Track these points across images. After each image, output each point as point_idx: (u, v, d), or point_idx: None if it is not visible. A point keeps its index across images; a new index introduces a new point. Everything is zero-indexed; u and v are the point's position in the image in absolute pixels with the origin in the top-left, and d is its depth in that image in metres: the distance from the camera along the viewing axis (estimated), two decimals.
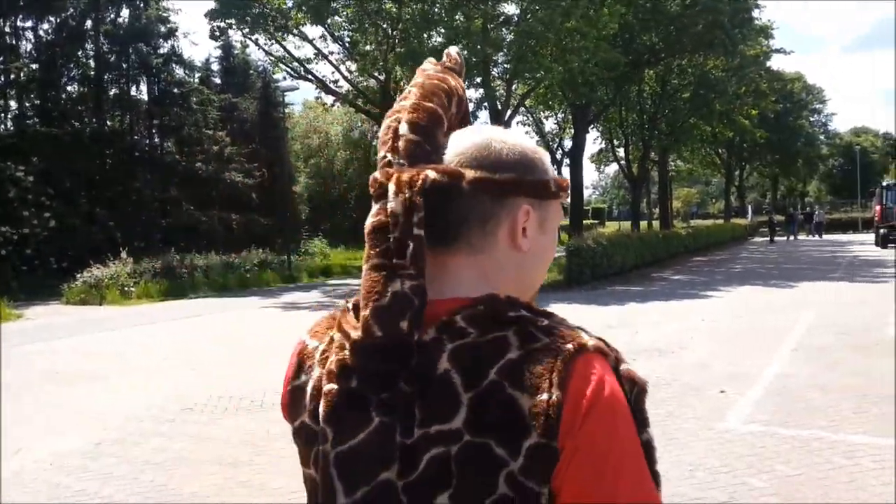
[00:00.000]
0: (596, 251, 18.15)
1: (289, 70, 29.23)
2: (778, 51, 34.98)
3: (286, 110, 34.74)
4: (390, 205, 0.83)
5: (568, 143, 36.41)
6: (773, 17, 33.99)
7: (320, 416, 0.82)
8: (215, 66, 33.87)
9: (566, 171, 37.71)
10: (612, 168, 52.30)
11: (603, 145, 42.38)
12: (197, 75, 31.76)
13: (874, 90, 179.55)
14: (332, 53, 28.35)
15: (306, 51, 33.25)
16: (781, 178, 64.94)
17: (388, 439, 0.78)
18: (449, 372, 0.78)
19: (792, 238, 39.05)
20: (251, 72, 33.90)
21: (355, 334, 0.81)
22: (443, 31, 18.38)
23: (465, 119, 0.96)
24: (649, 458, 0.79)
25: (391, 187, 0.84)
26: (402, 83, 25.50)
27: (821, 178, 70.22)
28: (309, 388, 0.86)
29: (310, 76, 28.60)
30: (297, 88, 27.47)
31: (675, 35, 26.05)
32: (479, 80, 21.09)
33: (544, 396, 0.75)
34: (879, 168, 69.29)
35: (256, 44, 27.08)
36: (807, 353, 8.07)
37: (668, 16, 25.87)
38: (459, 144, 0.88)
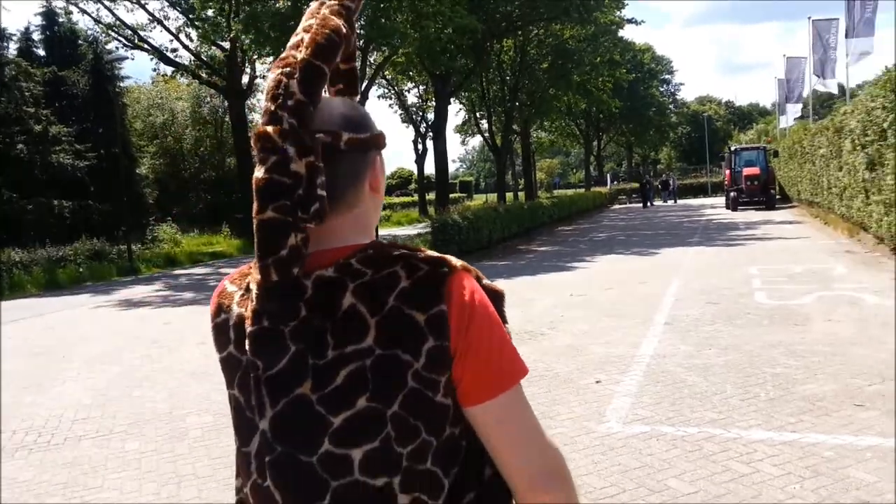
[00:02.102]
0: (462, 226, 17.43)
1: (121, 39, 26.52)
2: (630, 21, 35.44)
3: (123, 84, 31.73)
4: (293, 166, 0.94)
5: (431, 117, 35.52)
6: None
7: (248, 351, 0.99)
8: (37, 36, 30.27)
9: (429, 144, 37.14)
10: (477, 140, 52.24)
11: (466, 117, 41.95)
12: (14, 46, 28.21)
13: (715, 61, 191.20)
14: (167, 19, 25.94)
15: (140, 17, 30.45)
16: (635, 147, 67.53)
17: (302, 362, 0.97)
18: (355, 305, 0.96)
19: (649, 204, 40.38)
20: (80, 42, 30.51)
21: (258, 281, 0.98)
22: None
23: (351, 57, 1.11)
24: None
25: (291, 149, 0.94)
26: (250, 53, 23.64)
27: (671, 145, 73.60)
28: (231, 324, 1.05)
29: (145, 45, 26.05)
30: (128, 58, 24.79)
31: (531, 1, 25.59)
32: None
33: (433, 310, 0.96)
34: (723, 134, 73.60)
35: (78, 6, 24.25)
36: (679, 327, 7.60)
37: None
38: (326, 110, 1.00)
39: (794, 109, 34.73)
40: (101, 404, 6.16)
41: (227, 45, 25.19)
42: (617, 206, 44.14)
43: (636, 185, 49.24)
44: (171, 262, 20.38)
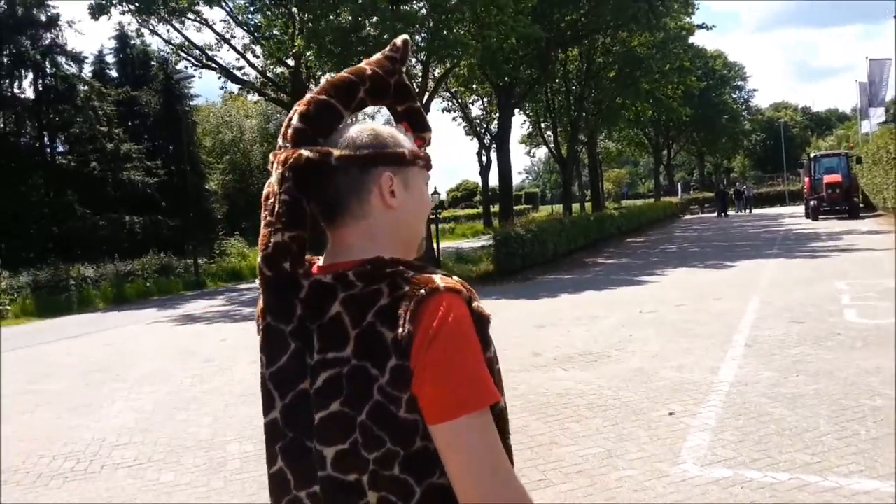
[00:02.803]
0: (525, 239, 16.91)
1: (190, 59, 27.07)
2: (701, 26, 34.34)
3: (192, 103, 32.47)
4: (272, 178, 1.11)
5: (495, 128, 35.10)
6: None
7: (259, 347, 1.12)
8: (111, 59, 31.27)
9: (493, 156, 36.65)
10: (543, 151, 51.52)
11: (530, 128, 41.39)
12: (89, 68, 29.19)
13: (790, 65, 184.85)
14: (233, 38, 26.33)
15: (208, 37, 31.13)
16: (707, 155, 65.47)
17: (302, 360, 1.06)
18: (340, 314, 1.04)
19: (723, 215, 38.89)
20: (152, 63, 31.38)
21: (259, 282, 1.10)
22: (349, 8, 16.64)
23: (395, 96, 1.19)
24: (491, 369, 1.04)
25: (274, 164, 1.11)
26: (314, 69, 23.77)
27: (745, 153, 71.15)
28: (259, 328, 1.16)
29: (212, 64, 26.52)
30: (194, 76, 25.26)
31: (597, 7, 24.93)
32: None
33: (400, 330, 1.00)
34: (800, 141, 70.75)
35: (148, 28, 24.86)
36: (762, 350, 6.93)
37: None
38: (339, 136, 1.13)
39: (877, 113, 32.91)
40: (144, 429, 5.94)
41: (291, 61, 25.39)
42: (689, 217, 42.69)
43: (709, 194, 47.61)
44: (236, 276, 20.53)
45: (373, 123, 1.18)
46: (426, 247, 13.83)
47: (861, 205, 27.94)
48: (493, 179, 38.86)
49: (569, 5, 25.34)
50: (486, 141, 41.63)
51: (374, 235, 1.11)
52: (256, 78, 27.51)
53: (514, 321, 9.77)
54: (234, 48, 26.54)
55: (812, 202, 28.18)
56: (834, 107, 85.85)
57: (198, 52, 26.78)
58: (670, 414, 5.14)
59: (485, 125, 41.79)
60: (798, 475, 3.87)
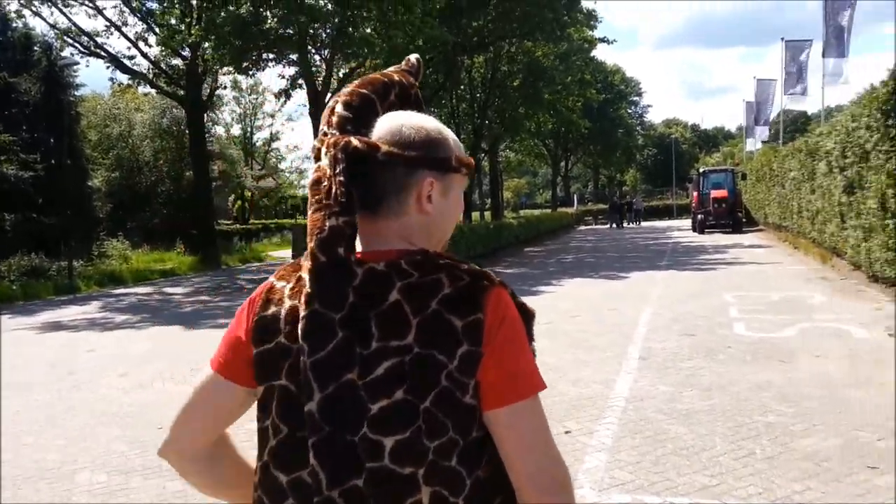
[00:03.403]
0: None
1: (76, 45, 25.35)
2: (602, 40, 35.29)
3: (77, 93, 30.42)
4: (322, 162, 1.08)
5: None
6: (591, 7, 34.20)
7: (300, 335, 1.05)
8: None
9: None
10: None
11: None
12: None
13: (682, 84, 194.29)
14: (125, 25, 24.85)
15: (98, 24, 29.24)
16: (602, 168, 67.56)
17: (350, 349, 1.03)
18: (400, 302, 1.04)
19: (615, 226, 40.03)
20: (35, 48, 29.16)
21: (307, 264, 1.06)
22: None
23: (408, 103, 1.19)
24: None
25: (323, 150, 1.09)
26: (211, 63, 22.73)
27: (637, 167, 73.89)
28: (283, 316, 1.11)
29: (101, 52, 24.93)
30: (79, 64, 23.67)
31: (504, 15, 25.06)
32: (294, 56, 18.79)
33: (471, 317, 1.04)
34: (688, 157, 74.17)
35: (30, 9, 23.09)
36: (656, 363, 6.88)
37: None
38: (379, 127, 1.12)
39: (761, 132, 34.75)
40: None
41: (187, 53, 24.18)
42: (583, 227, 43.78)
43: (603, 206, 49.00)
44: (114, 280, 19.18)
45: (422, 118, 1.16)
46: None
47: (744, 220, 29.36)
48: None
49: (476, 11, 25.36)
50: None
51: (408, 234, 1.13)
52: (149, 69, 26.10)
53: None
54: (126, 36, 25.10)
55: (699, 216, 29.40)
56: (721, 125, 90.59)
57: (85, 38, 25.14)
58: (566, 432, 4.92)
59: None
60: (697, 499, 3.71)
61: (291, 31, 18.32)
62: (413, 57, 1.25)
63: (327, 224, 1.04)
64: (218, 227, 31.97)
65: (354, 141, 1.07)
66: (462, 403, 1.03)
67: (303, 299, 1.05)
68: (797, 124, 50.76)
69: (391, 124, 1.12)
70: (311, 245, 1.05)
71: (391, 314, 1.04)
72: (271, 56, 18.95)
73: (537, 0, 24.66)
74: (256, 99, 45.96)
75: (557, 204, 53.79)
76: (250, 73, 21.22)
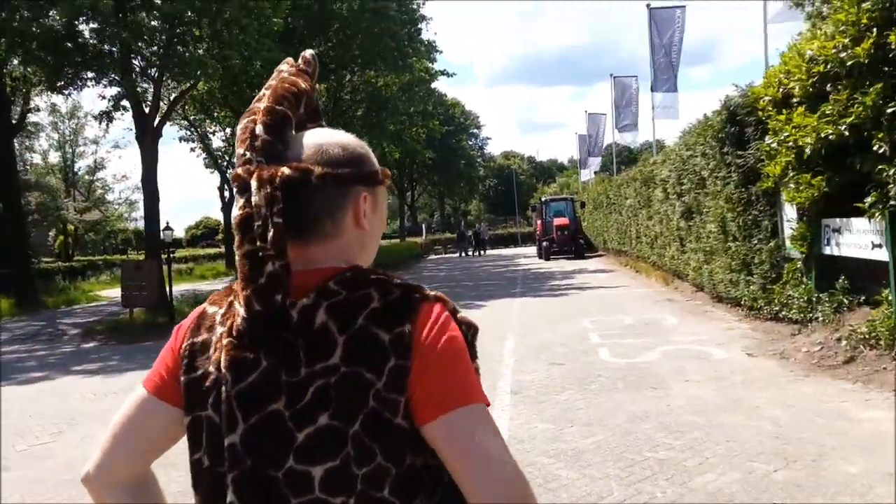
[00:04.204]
0: None
1: None
2: (443, 72, 35.81)
3: None
4: (254, 199, 1.00)
5: None
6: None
7: (223, 365, 1.01)
8: None
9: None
10: None
11: None
12: None
13: (517, 118, 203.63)
14: None
15: None
16: (446, 198, 68.73)
17: (276, 377, 0.99)
18: (326, 322, 0.99)
19: (464, 255, 40.47)
20: None
21: (241, 311, 1.00)
22: (62, 9, 14.22)
23: (314, 115, 1.16)
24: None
25: (253, 183, 1.00)
26: (21, 81, 20.42)
27: (480, 197, 75.87)
28: (213, 342, 1.06)
29: None
30: None
31: (345, 41, 24.62)
32: (116, 77, 17.14)
33: (398, 329, 0.99)
34: (528, 188, 77.20)
35: None
36: (529, 397, 6.51)
37: (337, 18, 24.33)
38: (301, 146, 1.07)
39: (594, 162, 36.62)
40: None
41: None
42: (433, 256, 43.93)
43: (451, 235, 49.56)
44: None
45: (339, 134, 1.13)
46: (156, 293, 11.58)
47: (585, 246, 30.55)
48: None
49: (316, 37, 24.72)
50: (229, 175, 39.26)
51: (344, 254, 1.09)
52: None
53: None
54: None
55: (544, 243, 30.24)
56: (554, 157, 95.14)
57: None
58: None
59: (227, 157, 39.46)
60: None
61: (114, 49, 16.76)
62: (308, 53, 1.19)
63: (266, 270, 0.98)
64: (37, 266, 28.83)
65: (287, 170, 1.02)
66: (392, 425, 0.96)
67: (229, 328, 1.03)
68: (622, 156, 54.22)
69: (314, 143, 1.08)
70: (245, 292, 1.00)
71: (318, 336, 0.99)
72: (90, 75, 17.17)
73: (378, 28, 24.47)
74: (77, 123, 42.34)
75: (406, 234, 53.80)
76: (65, 93, 19.20)
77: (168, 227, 16.17)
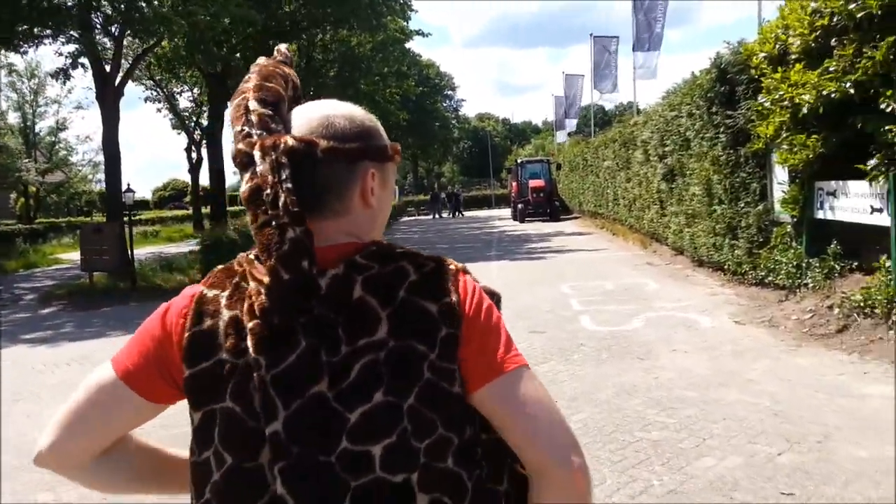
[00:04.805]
0: (239, 244, 15.02)
1: None
2: (418, 32, 34.82)
3: None
4: (259, 168, 0.95)
5: (206, 123, 32.08)
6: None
7: (251, 349, 0.94)
8: None
9: (205, 153, 33.56)
10: None
11: None
12: None
13: (492, 81, 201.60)
14: None
15: None
16: (420, 160, 67.95)
17: (315, 358, 0.94)
18: (363, 297, 0.96)
19: (437, 217, 39.97)
20: None
21: (267, 280, 0.93)
22: None
23: (297, 101, 1.10)
24: None
25: (256, 153, 0.96)
26: None
27: (454, 159, 75.15)
28: (221, 329, 0.99)
29: None
30: None
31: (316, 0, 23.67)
32: (75, 33, 16.21)
33: (446, 299, 0.98)
34: (502, 150, 76.56)
35: None
36: None
37: None
38: (304, 119, 1.02)
39: (570, 124, 36.11)
40: None
41: None
42: (406, 218, 43.35)
43: (424, 197, 48.97)
44: None
45: (345, 105, 1.08)
46: (118, 257, 10.89)
47: (560, 208, 30.20)
48: (206, 178, 35.74)
49: None
50: (196, 136, 38.20)
51: (354, 231, 1.05)
52: None
53: None
54: None
55: (519, 205, 29.82)
56: (528, 119, 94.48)
57: None
58: None
59: (194, 118, 38.31)
60: None
61: (70, 4, 15.81)
62: (283, 46, 1.15)
63: (287, 237, 0.93)
64: None
65: (291, 141, 0.98)
66: (451, 395, 0.96)
67: (252, 309, 0.95)
68: (596, 118, 53.77)
69: (319, 115, 1.03)
70: (269, 262, 0.94)
71: (357, 312, 0.96)
72: (47, 32, 16.22)
73: None
74: (37, 83, 40.65)
75: None
76: (20, 51, 18.16)
77: (129, 189, 15.46)
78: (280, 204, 0.93)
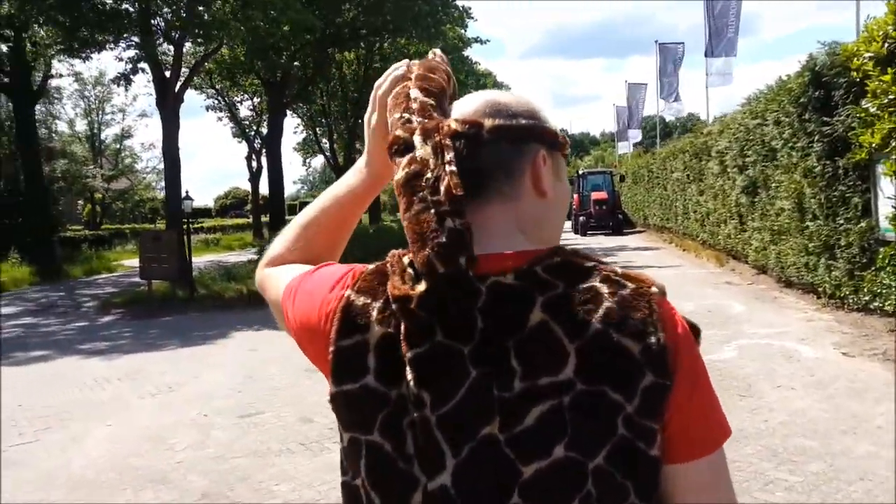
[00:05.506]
0: None
1: None
2: (477, 40, 34.44)
3: None
4: (419, 152, 0.86)
5: (266, 131, 32.29)
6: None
7: (412, 381, 0.80)
8: None
9: (264, 161, 33.72)
10: (320, 161, 49.40)
11: (307, 134, 39.11)
12: None
13: (548, 91, 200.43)
14: None
15: None
16: None
17: (487, 392, 0.78)
18: (547, 323, 0.79)
19: None
20: None
21: (420, 290, 0.80)
22: None
23: (454, 100, 1.00)
24: None
25: (417, 138, 0.87)
26: (42, 46, 19.65)
27: None
28: (371, 348, 0.85)
29: None
30: None
31: (377, 5, 23.44)
32: (134, 38, 16.26)
33: (652, 339, 0.78)
34: None
35: None
36: None
37: None
38: (468, 105, 0.93)
39: (634, 135, 35.12)
40: None
41: (9, 33, 20.84)
42: None
43: None
44: None
45: (509, 92, 0.98)
46: (176, 265, 10.47)
47: (623, 221, 29.24)
48: (265, 187, 35.95)
49: (346, 1, 23.58)
50: (257, 145, 38.55)
51: (521, 223, 0.90)
52: None
53: (293, 354, 7.61)
54: None
55: (581, 218, 28.95)
56: (586, 130, 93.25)
57: None
58: None
59: (254, 127, 38.68)
60: None
61: (131, 9, 15.84)
62: (438, 50, 1.05)
63: (445, 226, 0.80)
64: (63, 234, 28.44)
65: (453, 124, 0.88)
66: (648, 458, 0.79)
67: (407, 331, 0.81)
68: (655, 129, 52.39)
69: (482, 99, 0.93)
70: (424, 253, 0.80)
71: (537, 341, 0.79)
72: (109, 38, 16.30)
73: None
74: (103, 91, 41.65)
75: None
76: (82, 56, 18.34)
77: (188, 197, 15.32)
78: (442, 188, 0.82)
